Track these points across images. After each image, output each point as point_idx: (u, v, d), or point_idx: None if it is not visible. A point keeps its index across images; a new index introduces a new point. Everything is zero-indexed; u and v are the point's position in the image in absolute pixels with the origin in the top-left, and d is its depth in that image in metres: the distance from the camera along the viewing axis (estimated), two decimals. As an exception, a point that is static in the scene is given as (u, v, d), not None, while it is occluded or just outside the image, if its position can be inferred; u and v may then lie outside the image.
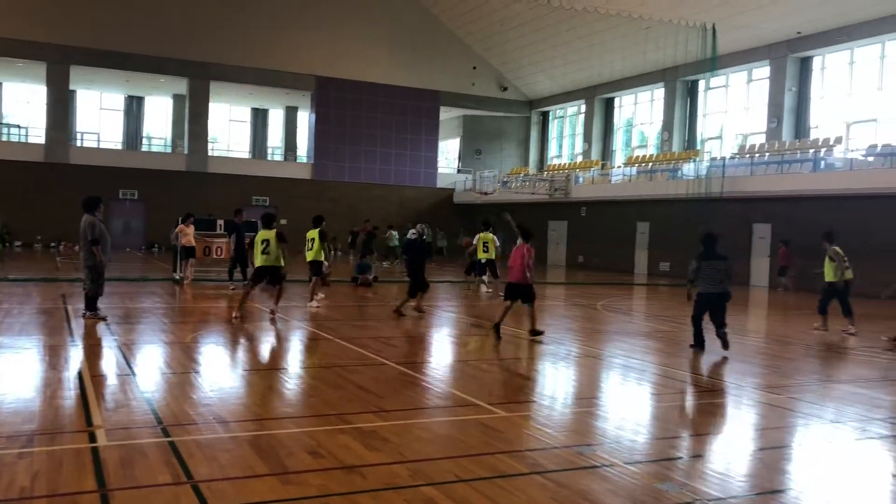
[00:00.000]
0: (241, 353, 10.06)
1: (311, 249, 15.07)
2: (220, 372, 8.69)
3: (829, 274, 13.63)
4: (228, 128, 43.77)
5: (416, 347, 11.10)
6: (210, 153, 38.69)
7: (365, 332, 11.98)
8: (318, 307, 14.78)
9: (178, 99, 40.37)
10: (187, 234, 19.00)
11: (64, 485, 4.59)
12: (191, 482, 4.70)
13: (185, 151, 37.63)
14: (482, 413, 6.78)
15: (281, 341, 11.15)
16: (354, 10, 38.26)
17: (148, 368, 8.59)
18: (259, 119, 44.19)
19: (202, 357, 9.56)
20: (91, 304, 11.84)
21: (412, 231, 25.84)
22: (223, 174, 37.26)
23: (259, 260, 12.85)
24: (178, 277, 19.14)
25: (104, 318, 11.77)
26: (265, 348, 10.54)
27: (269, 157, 43.66)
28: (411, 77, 40.25)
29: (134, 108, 41.06)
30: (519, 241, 11.57)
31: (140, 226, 36.33)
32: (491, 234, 18.86)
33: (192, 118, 37.24)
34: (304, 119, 42.47)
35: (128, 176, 35.75)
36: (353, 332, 11.85)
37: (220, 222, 20.78)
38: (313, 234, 15.21)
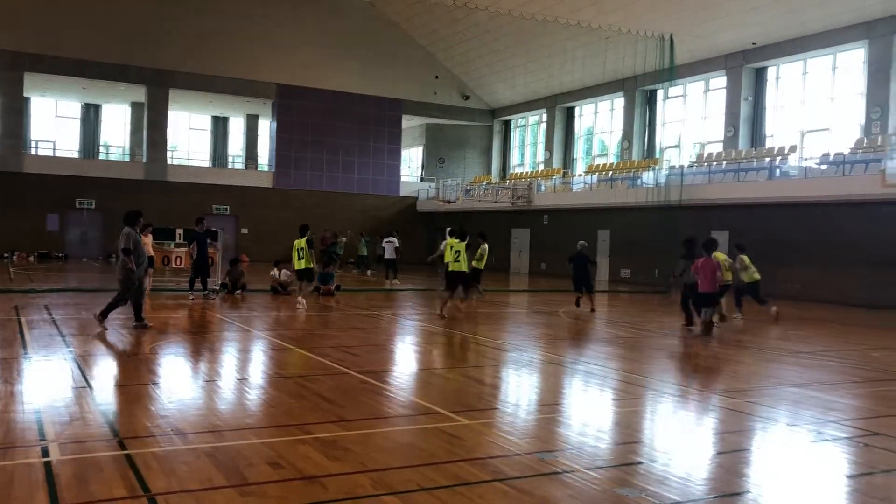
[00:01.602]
0: (201, 364, 9.92)
1: (301, 258, 16.57)
2: (179, 383, 8.56)
3: (746, 276, 16.54)
4: (188, 136, 43.28)
5: (378, 356, 11.05)
6: (169, 162, 38.20)
7: (326, 341, 11.90)
8: (303, 306, 16.20)
9: (136, 107, 39.81)
10: (145, 244, 18.67)
11: (15, 501, 4.47)
12: (147, 495, 4.61)
13: (144, 160, 37.10)
14: (444, 421, 6.76)
15: (241, 351, 11.02)
16: (316, 19, 38.15)
17: (104, 380, 8.42)
18: (220, 127, 43.78)
19: (160, 368, 9.41)
20: (106, 312, 11.88)
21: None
22: (183, 183, 36.78)
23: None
24: (136, 288, 18.79)
25: (106, 328, 11.80)
26: (225, 358, 10.41)
27: (229, 166, 43.25)
28: (374, 85, 40.21)
29: (91, 116, 40.40)
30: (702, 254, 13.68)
31: (97, 235, 35.65)
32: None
33: (151, 126, 36.74)
34: (266, 127, 42.18)
35: (85, 185, 35.12)
36: (315, 341, 11.76)
37: (180, 231, 20.51)
38: (301, 243, 16.63)
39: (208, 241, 18.06)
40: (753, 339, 13.83)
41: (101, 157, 40.55)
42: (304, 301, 16.71)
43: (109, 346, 10.76)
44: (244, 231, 37.97)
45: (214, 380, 8.82)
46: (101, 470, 5.06)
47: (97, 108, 40.44)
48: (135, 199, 34.55)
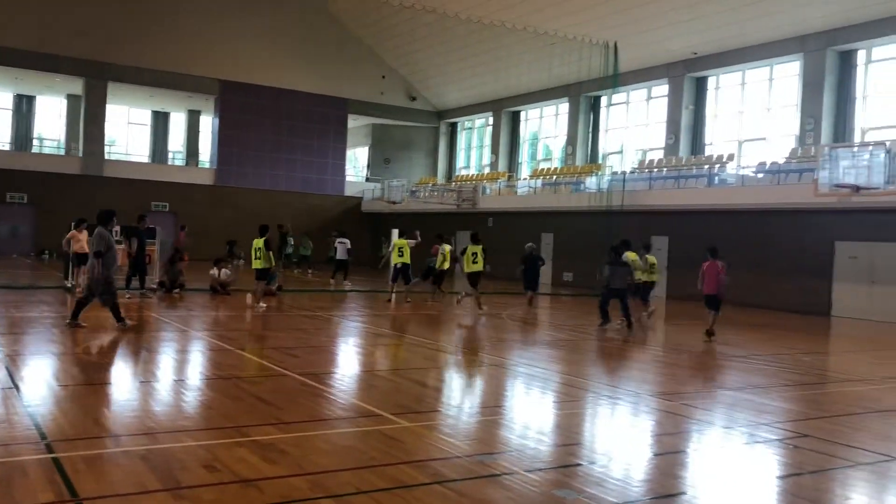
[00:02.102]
0: (137, 364, 9.66)
1: (258, 258, 16.36)
2: (113, 384, 8.32)
3: (646, 275, 16.90)
4: (127, 131, 42.21)
5: (320, 358, 10.93)
6: (107, 156, 37.15)
7: (266, 342, 11.73)
8: (263, 309, 15.83)
9: (72, 99, 38.63)
10: (80, 241, 18.16)
11: (-68, 507, 4.28)
12: (75, 500, 4.46)
13: (80, 154, 36.00)
14: (385, 424, 6.72)
15: (179, 352, 10.77)
16: (261, 15, 37.59)
17: (33, 381, 8.13)
18: (160, 122, 42.80)
19: (94, 369, 9.14)
20: (117, 314, 11.86)
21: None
22: (121, 178, 35.78)
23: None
24: (69, 285, 18.28)
25: (129, 325, 11.88)
26: (162, 359, 10.16)
27: (170, 162, 42.32)
28: (320, 84, 39.83)
29: (24, 108, 39.05)
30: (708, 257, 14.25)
31: (29, 231, 34.46)
32: (406, 240, 19.38)
33: (88, 120, 35.67)
34: (208, 123, 41.42)
35: (16, 178, 33.87)
36: (254, 342, 11.58)
37: (116, 228, 19.95)
38: (259, 243, 16.46)
39: (147, 239, 17.73)
40: (690, 344, 14.12)
41: (35, 150, 39.21)
42: (261, 303, 16.31)
43: (40, 345, 10.41)
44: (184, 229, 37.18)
45: (150, 381, 8.59)
46: (27, 474, 4.88)
47: (31, 99, 39.11)
48: (69, 193, 33.63)
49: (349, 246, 25.25)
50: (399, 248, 19.21)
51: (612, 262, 15.66)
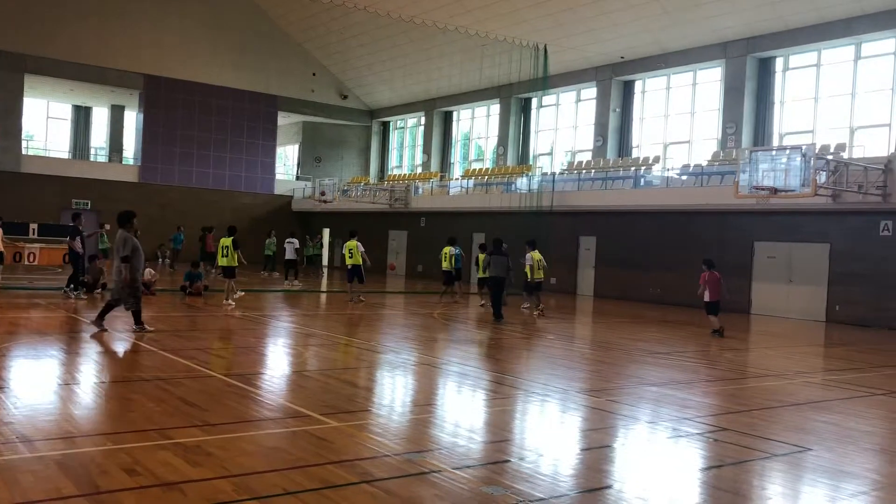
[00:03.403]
0: (56, 367, 9.31)
1: (225, 256, 17.13)
2: (28, 387, 8.00)
3: (529, 274, 17.86)
4: (46, 125, 40.69)
5: (247, 358, 10.74)
6: (24, 152, 35.68)
7: (192, 342, 11.47)
8: (233, 306, 16.45)
9: (-13, 92, 37.04)
10: (-4, 239, 17.45)
11: None
12: (-15, 509, 4.27)
13: (-5, 149, 34.54)
14: (313, 424, 6.64)
15: (100, 354, 10.43)
16: (188, 8, 36.78)
17: (-59, 385, 7.75)
18: (81, 117, 41.38)
19: (8, 372, 8.77)
20: (138, 319, 11.87)
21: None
22: (39, 174, 34.46)
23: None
24: (-17, 285, 17.52)
25: (152, 331, 11.82)
26: (82, 361, 9.81)
27: (92, 158, 40.95)
28: (248, 80, 39.15)
29: (-66, 100, 37.20)
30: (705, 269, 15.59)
31: (-61, 229, 32.87)
32: (356, 242, 19.82)
33: (4, 113, 34.18)
34: (132, 119, 40.24)
35: (-75, 174, 32.34)
36: (179, 343, 11.30)
37: (34, 226, 19.24)
38: (227, 241, 17.22)
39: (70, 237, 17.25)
40: (615, 341, 14.41)
41: (-54, 144, 37.47)
42: (233, 301, 17.08)
43: (-51, 348, 9.93)
44: (106, 227, 36.04)
45: (69, 384, 8.29)
46: (-67, 482, 4.64)
47: (-59, 91, 37.32)
48: (-17, 190, 32.20)
49: (297, 246, 25.48)
50: (349, 249, 19.59)
51: (493, 252, 16.59)
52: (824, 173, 18.20)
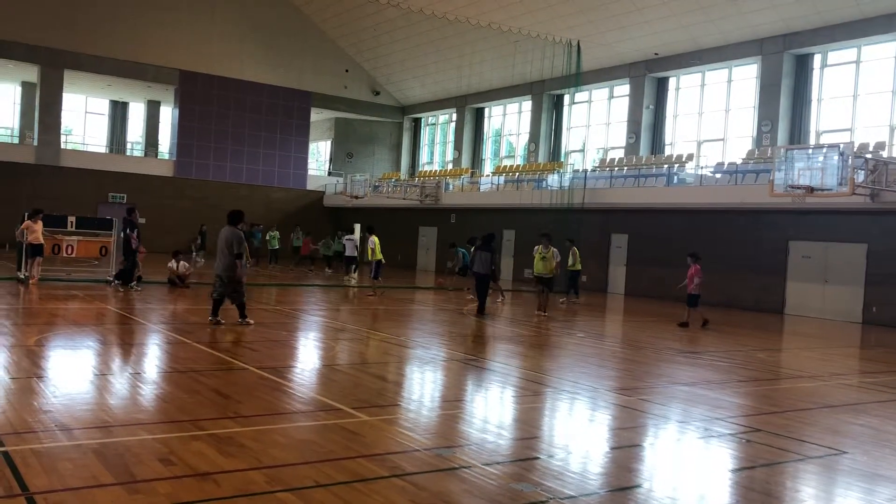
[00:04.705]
0: (92, 357, 9.49)
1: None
2: (66, 377, 8.17)
3: (539, 266, 17.36)
4: (85, 120, 41.39)
5: (279, 352, 10.85)
6: (63, 146, 36.37)
7: (225, 336, 11.61)
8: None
9: (27, 87, 37.76)
10: (35, 231, 17.81)
11: None
12: (25, 494, 4.37)
13: (35, 143, 35.19)
14: (344, 417, 6.70)
15: (135, 345, 10.61)
16: (224, 6, 37.16)
17: (-17, 374, 7.94)
18: (118, 112, 42.02)
19: (47, 361, 8.96)
20: (242, 312, 12.46)
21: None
22: (77, 168, 35.09)
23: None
24: (22, 277, 17.89)
25: (223, 323, 12.24)
26: (118, 352, 10.00)
27: (128, 153, 41.58)
28: (282, 76, 39.47)
29: (-24, 95, 38.09)
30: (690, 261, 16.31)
31: (-20, 221, 33.60)
32: (376, 238, 20.75)
33: (44, 108, 34.87)
34: (168, 114, 40.77)
35: (-33, 167, 33.07)
36: (213, 335, 11.44)
37: (72, 219, 19.58)
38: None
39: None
40: (648, 340, 14.31)
41: (-13, 138, 38.30)
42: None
43: (-10, 337, 10.16)
44: (142, 221, 36.56)
45: (105, 374, 8.45)
46: (-25, 468, 4.77)
47: (-17, 86, 38.18)
48: (23, 183, 32.89)
49: (357, 242, 26.44)
50: (375, 244, 20.44)
51: (481, 247, 16.71)
52: (862, 172, 17.86)
